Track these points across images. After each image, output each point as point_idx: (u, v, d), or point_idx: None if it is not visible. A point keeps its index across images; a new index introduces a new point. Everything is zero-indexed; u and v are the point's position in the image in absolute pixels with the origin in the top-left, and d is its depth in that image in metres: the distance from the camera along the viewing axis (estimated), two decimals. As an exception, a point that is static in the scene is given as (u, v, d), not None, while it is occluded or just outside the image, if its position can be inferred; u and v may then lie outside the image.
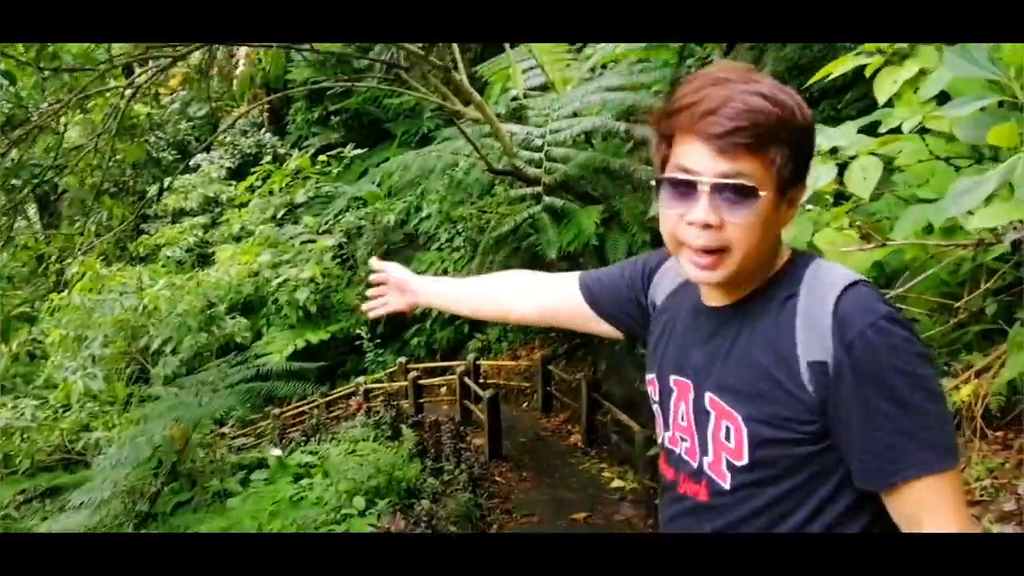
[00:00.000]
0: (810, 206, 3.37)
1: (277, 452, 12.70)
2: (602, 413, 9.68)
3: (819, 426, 1.04)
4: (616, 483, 8.21)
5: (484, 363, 13.42)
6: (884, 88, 2.65)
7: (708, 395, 1.15)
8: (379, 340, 16.42)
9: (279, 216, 16.50)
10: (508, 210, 10.98)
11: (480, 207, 11.95)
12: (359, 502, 7.78)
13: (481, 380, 13.04)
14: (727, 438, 1.12)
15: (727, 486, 1.13)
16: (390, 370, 15.23)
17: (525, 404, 12.63)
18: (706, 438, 1.16)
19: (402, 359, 14.66)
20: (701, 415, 1.17)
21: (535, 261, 12.44)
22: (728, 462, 1.12)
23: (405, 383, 13.09)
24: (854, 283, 1.02)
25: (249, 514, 7.86)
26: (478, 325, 15.78)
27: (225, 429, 16.09)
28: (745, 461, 1.10)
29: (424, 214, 15.57)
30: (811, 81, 3.37)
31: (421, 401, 12.72)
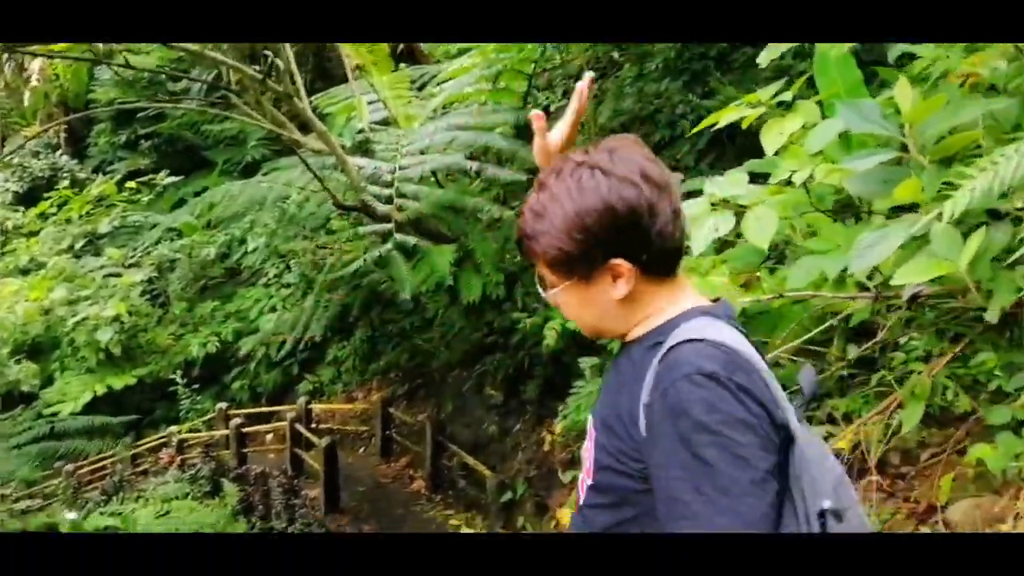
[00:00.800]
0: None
1: (71, 516, 11.18)
2: (447, 456, 9.37)
3: (644, 466, 1.09)
4: (464, 530, 7.91)
5: (316, 407, 12.65)
6: (771, 140, 2.67)
7: (591, 420, 1.26)
8: (196, 385, 15.02)
9: (77, 247, 14.74)
10: (351, 247, 10.51)
11: (319, 243, 11.35)
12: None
13: (313, 425, 12.25)
14: (590, 458, 1.22)
15: (583, 501, 1.23)
16: (207, 417, 13.94)
17: (362, 449, 12.01)
18: (583, 456, 1.27)
19: (221, 405, 13.48)
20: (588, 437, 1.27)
21: (376, 300, 12.01)
22: (586, 480, 1.23)
23: (226, 431, 12.01)
24: (691, 340, 1.06)
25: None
26: (308, 366, 14.94)
27: (5, 491, 13.97)
28: (591, 481, 1.20)
29: (250, 247, 14.57)
30: (695, 131, 3.33)
31: (245, 451, 11.71)
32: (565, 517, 5.39)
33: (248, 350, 14.50)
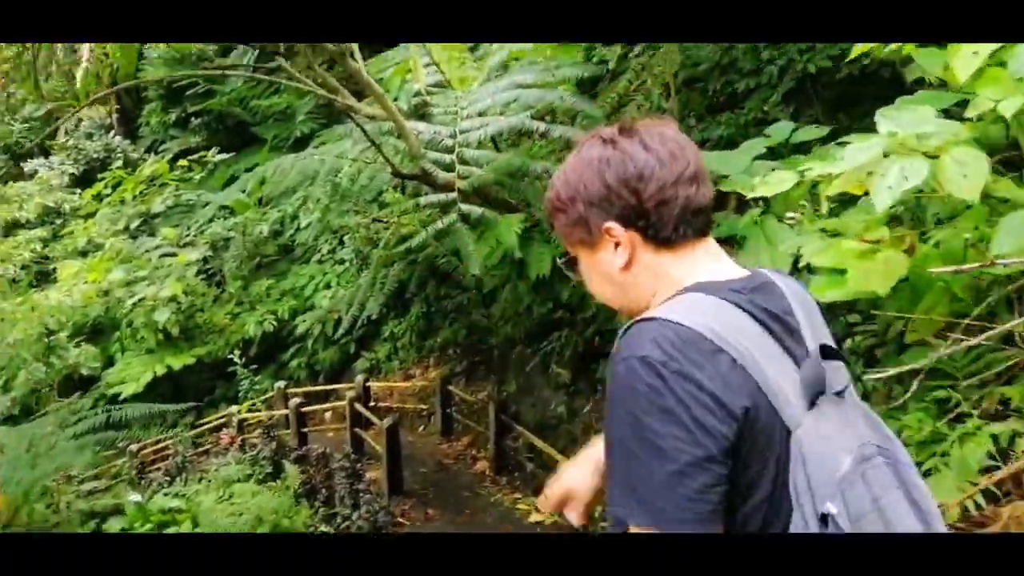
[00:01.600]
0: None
1: (136, 498, 11.18)
2: (512, 437, 8.96)
3: None
4: (534, 517, 7.51)
5: (374, 384, 12.39)
6: (963, 62, 2.06)
7: None
8: (254, 364, 14.94)
9: (132, 227, 14.71)
10: (408, 219, 10.10)
11: (374, 216, 10.98)
12: (241, 561, 6.62)
13: (372, 404, 12.01)
14: None
15: None
16: (267, 396, 13.84)
17: (422, 428, 11.72)
18: None
19: (280, 384, 13.35)
20: None
21: (433, 275, 11.63)
22: None
23: (286, 411, 11.85)
24: (644, 319, 1.05)
25: None
26: (365, 344, 14.72)
27: (72, 471, 14.16)
28: None
29: (303, 223, 14.34)
30: (849, 58, 2.72)
31: (305, 431, 11.52)
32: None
33: (305, 328, 14.34)
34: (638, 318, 1.06)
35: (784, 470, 1.00)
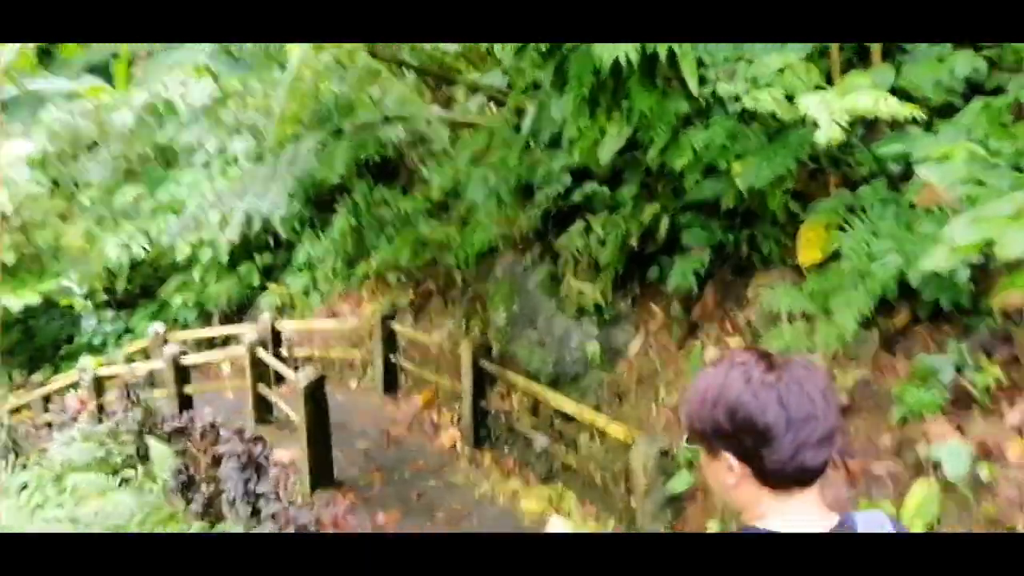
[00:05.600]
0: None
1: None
2: (498, 394, 6.00)
3: None
4: (554, 517, 4.63)
5: (286, 325, 9.13)
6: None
7: None
8: (123, 303, 11.42)
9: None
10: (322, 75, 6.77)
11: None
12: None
13: (283, 352, 8.78)
14: None
15: None
16: (136, 345, 10.38)
17: (354, 383, 8.59)
18: None
19: (157, 327, 9.89)
20: None
21: (367, 168, 8.30)
22: None
23: (157, 364, 8.53)
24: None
25: None
26: (273, 273, 11.34)
27: None
28: None
29: (183, 113, 10.69)
30: None
31: (187, 392, 8.21)
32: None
33: (187, 254, 10.86)
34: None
35: None
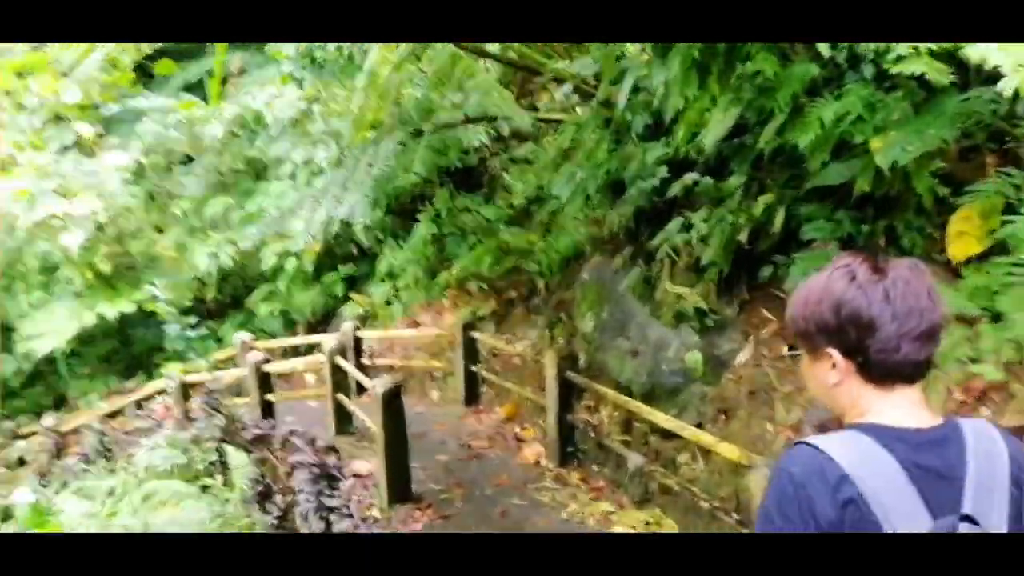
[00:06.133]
0: None
1: (27, 497, 7.89)
2: (586, 407, 5.56)
3: None
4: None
5: (368, 334, 8.97)
6: None
7: None
8: (206, 312, 11.57)
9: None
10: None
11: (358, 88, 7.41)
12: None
13: (366, 361, 8.62)
14: None
15: None
16: (223, 353, 10.46)
17: (436, 394, 8.31)
18: None
19: (243, 336, 9.92)
20: None
21: (450, 176, 8.05)
22: None
23: (240, 371, 8.49)
24: (807, 443, 1.18)
25: None
26: (357, 284, 11.27)
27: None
28: None
29: (271, 126, 10.79)
30: None
31: (269, 399, 8.12)
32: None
33: (274, 264, 10.91)
34: (803, 439, 1.19)
35: None
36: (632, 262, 5.15)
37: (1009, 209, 2.95)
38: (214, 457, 6.91)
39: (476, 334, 7.54)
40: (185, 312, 11.86)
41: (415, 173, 7.39)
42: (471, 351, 7.53)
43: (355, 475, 5.95)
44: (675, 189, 4.52)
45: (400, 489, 5.22)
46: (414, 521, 4.92)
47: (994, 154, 3.11)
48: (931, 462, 1.14)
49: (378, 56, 6.47)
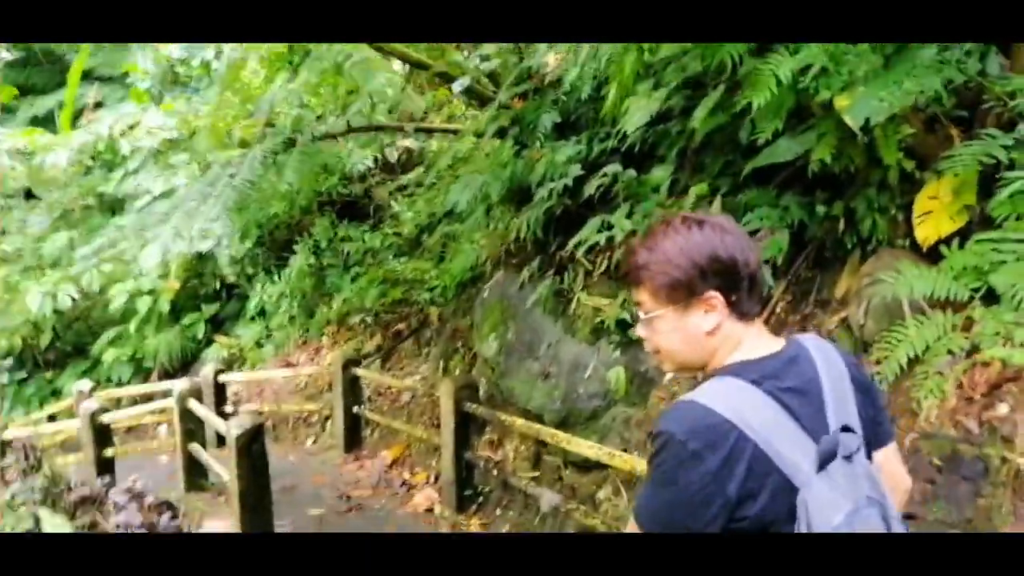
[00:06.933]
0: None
1: None
2: (488, 442, 4.85)
3: None
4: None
5: (232, 376, 7.86)
6: None
7: None
8: (42, 362, 9.99)
9: None
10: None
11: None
12: None
13: (229, 408, 7.51)
14: None
15: None
16: (59, 405, 8.96)
17: (311, 442, 7.30)
18: None
19: (82, 385, 8.50)
20: None
21: (330, 204, 7.21)
22: None
23: (72, 423, 7.21)
24: (684, 400, 1.20)
25: None
26: (221, 324, 10.08)
27: None
28: None
29: (129, 158, 9.58)
30: None
31: (109, 454, 6.85)
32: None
33: (121, 304, 9.56)
34: (680, 399, 1.20)
35: (786, 519, 1.13)
36: (541, 275, 4.55)
37: (986, 181, 2.57)
38: (29, 524, 5.64)
39: (359, 371, 6.68)
40: (15, 361, 10.23)
41: (287, 185, 6.52)
42: (353, 391, 6.64)
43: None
44: (591, 187, 3.98)
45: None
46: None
47: (960, 126, 2.76)
48: (792, 382, 1.20)
49: (240, 54, 5.69)
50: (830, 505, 1.12)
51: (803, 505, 1.11)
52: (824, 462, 1.14)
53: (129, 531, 3.83)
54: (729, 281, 1.24)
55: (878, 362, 2.67)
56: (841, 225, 2.93)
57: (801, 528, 1.11)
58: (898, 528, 1.17)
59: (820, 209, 2.97)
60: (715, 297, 1.24)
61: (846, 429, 1.18)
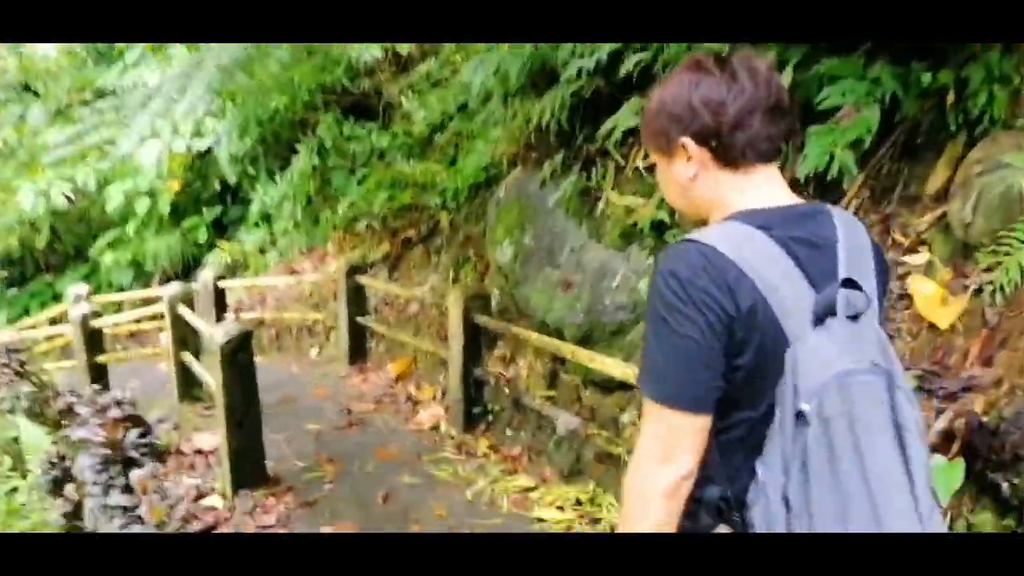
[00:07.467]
0: None
1: None
2: (499, 357, 4.41)
3: None
4: (578, 529, 3.04)
5: (232, 283, 7.45)
6: None
7: None
8: (42, 264, 9.63)
9: None
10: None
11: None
12: None
13: (230, 314, 7.14)
14: None
15: None
16: (55, 310, 8.63)
17: (315, 352, 6.93)
18: None
19: (78, 289, 8.13)
20: None
21: (335, 97, 6.60)
22: None
23: (62, 329, 6.87)
24: (685, 240, 1.13)
25: None
26: (224, 229, 9.63)
27: None
28: None
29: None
30: None
31: (100, 361, 6.52)
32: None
33: (119, 205, 9.10)
34: (680, 239, 1.14)
35: (777, 375, 1.08)
36: (565, 171, 3.97)
37: None
38: (14, 432, 5.35)
39: (364, 279, 6.21)
40: (11, 263, 9.90)
41: (279, 64, 5.88)
42: (358, 300, 6.21)
43: (197, 451, 4.57)
44: (629, 64, 3.35)
45: (249, 469, 3.89)
46: (264, 511, 3.60)
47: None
48: (803, 233, 1.13)
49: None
50: (822, 362, 1.05)
51: (792, 357, 1.06)
52: (822, 316, 1.08)
53: (90, 450, 3.43)
54: (704, 124, 1.16)
55: (989, 269, 2.12)
56: (950, 98, 2.32)
57: (787, 384, 1.05)
58: (903, 402, 1.07)
59: (925, 78, 2.35)
60: (688, 143, 1.18)
61: (849, 283, 1.09)
